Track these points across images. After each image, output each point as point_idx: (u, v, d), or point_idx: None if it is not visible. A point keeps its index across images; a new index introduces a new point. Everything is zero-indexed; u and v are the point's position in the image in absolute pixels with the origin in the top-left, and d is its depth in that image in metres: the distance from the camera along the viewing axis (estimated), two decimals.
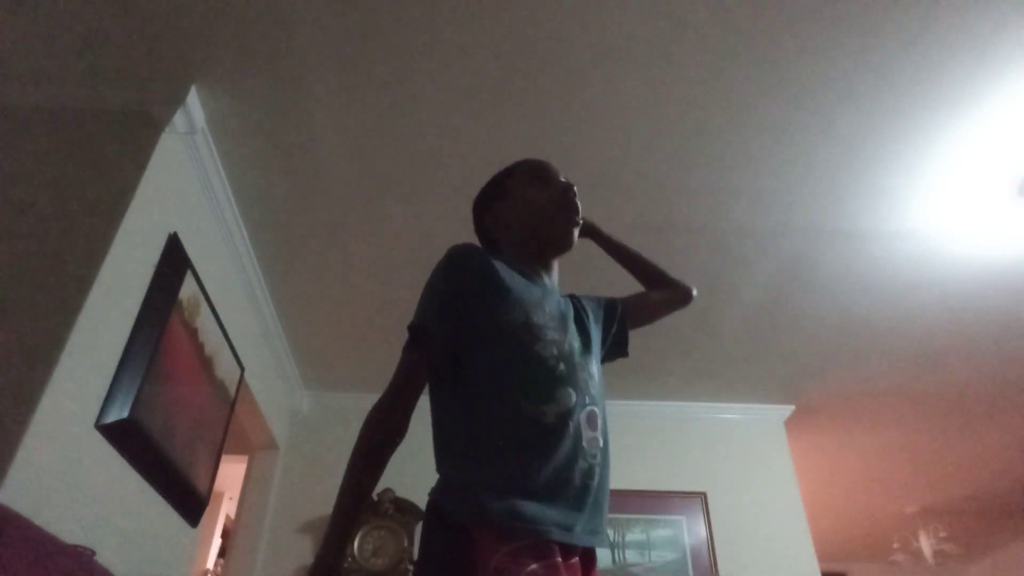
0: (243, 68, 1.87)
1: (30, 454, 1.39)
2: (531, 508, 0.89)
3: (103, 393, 1.64)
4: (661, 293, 1.43)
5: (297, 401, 3.51)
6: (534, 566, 0.84)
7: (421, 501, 3.24)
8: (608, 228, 1.49)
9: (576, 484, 0.94)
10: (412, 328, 1.03)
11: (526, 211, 1.19)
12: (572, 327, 1.11)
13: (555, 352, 1.02)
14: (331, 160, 2.16)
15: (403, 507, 3.14)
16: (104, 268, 1.62)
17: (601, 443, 1.01)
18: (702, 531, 3.28)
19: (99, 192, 1.74)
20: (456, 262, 1.06)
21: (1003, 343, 3.02)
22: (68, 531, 1.39)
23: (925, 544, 5.01)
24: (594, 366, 1.11)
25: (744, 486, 3.43)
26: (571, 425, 0.96)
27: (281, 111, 1.99)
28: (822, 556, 3.43)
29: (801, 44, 1.78)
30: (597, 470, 0.98)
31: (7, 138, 1.82)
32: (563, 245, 1.19)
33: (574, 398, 0.99)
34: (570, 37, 1.78)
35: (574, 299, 1.23)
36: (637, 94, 1.93)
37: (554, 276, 1.22)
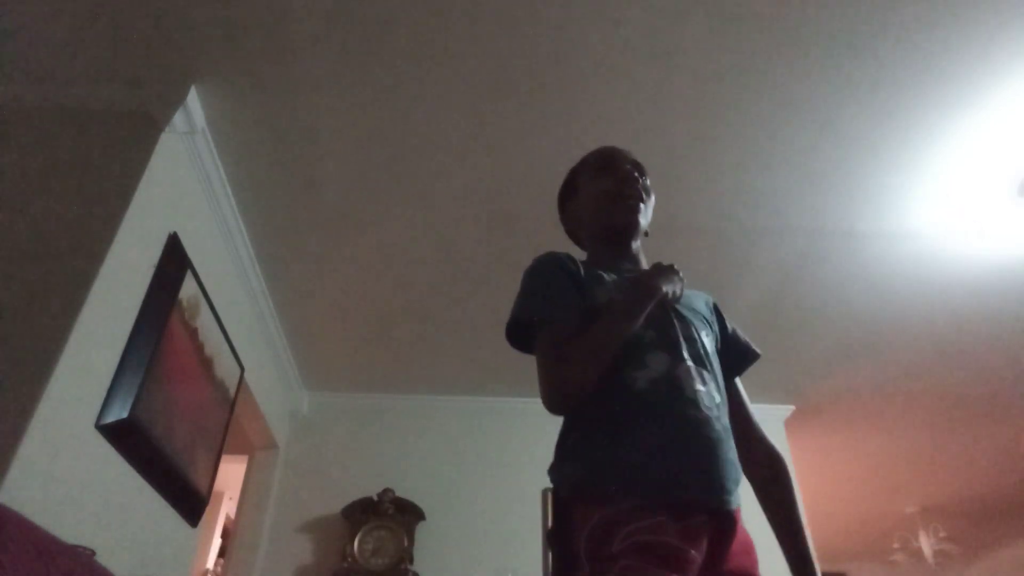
0: (243, 68, 1.87)
1: (30, 454, 1.39)
2: (627, 469, 0.90)
3: (103, 393, 1.63)
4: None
5: (297, 401, 3.51)
6: (630, 527, 0.84)
7: (421, 501, 3.26)
8: None
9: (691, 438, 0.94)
10: (538, 323, 1.02)
11: (593, 204, 1.20)
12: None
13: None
14: (331, 160, 2.16)
15: (403, 507, 3.13)
16: (104, 268, 1.62)
17: (718, 399, 0.99)
18: None
19: (99, 192, 1.74)
20: (546, 261, 1.09)
21: (1003, 343, 3.02)
22: (68, 531, 1.38)
23: (925, 544, 5.01)
24: (697, 332, 1.07)
25: (744, 486, 3.42)
26: (665, 385, 0.95)
27: (281, 111, 1.99)
28: (822, 556, 3.41)
29: (801, 45, 1.78)
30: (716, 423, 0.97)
31: (7, 138, 1.82)
32: (626, 229, 1.17)
33: (668, 360, 0.98)
34: (570, 40, 1.78)
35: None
36: (637, 96, 1.93)
37: (641, 263, 1.19)
